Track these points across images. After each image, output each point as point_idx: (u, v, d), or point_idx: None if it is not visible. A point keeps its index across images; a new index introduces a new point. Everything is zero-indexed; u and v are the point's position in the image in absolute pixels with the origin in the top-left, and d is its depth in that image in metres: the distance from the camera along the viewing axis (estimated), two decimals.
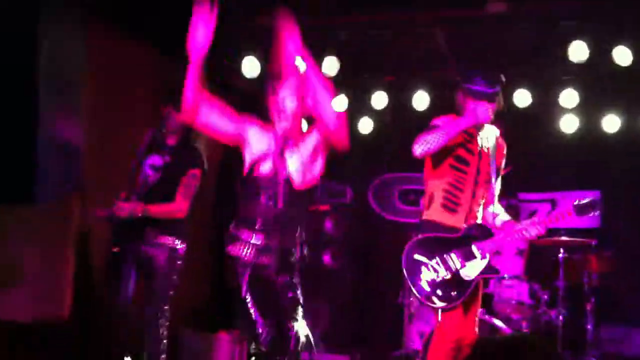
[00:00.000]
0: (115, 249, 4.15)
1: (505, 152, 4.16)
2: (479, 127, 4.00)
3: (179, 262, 4.22)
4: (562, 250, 5.65)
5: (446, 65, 6.51)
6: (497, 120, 4.03)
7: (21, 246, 4.45)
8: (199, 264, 5.98)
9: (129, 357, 4.15)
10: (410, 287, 3.90)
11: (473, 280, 3.85)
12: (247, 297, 3.57)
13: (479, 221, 3.99)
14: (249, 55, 6.20)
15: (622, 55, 5.74)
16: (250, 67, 6.19)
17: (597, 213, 3.84)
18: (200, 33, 3.24)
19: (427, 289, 3.83)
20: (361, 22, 6.06)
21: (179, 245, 4.22)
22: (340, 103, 6.98)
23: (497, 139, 4.08)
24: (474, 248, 3.88)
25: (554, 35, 5.87)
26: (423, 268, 3.86)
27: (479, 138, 4.01)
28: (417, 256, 3.89)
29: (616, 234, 6.56)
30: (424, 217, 4.03)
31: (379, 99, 6.94)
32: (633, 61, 5.72)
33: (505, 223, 4.01)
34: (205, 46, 3.29)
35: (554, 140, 6.84)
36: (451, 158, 3.98)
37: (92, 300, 4.78)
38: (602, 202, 6.85)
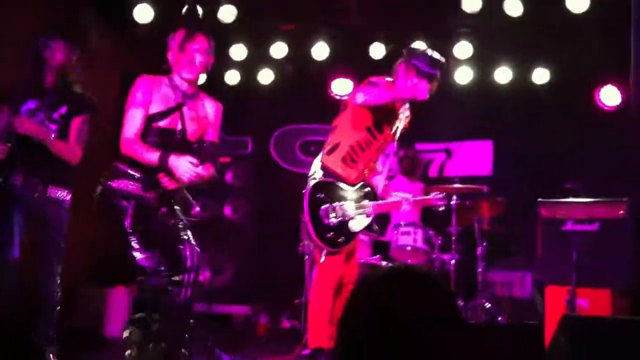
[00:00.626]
0: None
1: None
2: (404, 103, 4.15)
3: (66, 215, 4.05)
4: (454, 197, 5.82)
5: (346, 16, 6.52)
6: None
7: None
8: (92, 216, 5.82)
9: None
10: (308, 229, 4.08)
11: (356, 232, 4.17)
12: (131, 231, 3.57)
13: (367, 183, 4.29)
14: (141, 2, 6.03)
15: (513, 6, 5.90)
16: (143, 13, 6.05)
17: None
18: None
19: (320, 229, 4.06)
20: None
21: (67, 197, 4.05)
22: (239, 52, 6.88)
23: (406, 119, 4.22)
24: (364, 204, 4.19)
25: None
26: (322, 209, 4.08)
27: (400, 114, 4.17)
28: (318, 195, 4.10)
29: (507, 181, 6.83)
30: (322, 160, 4.23)
31: (278, 49, 6.88)
32: (523, 12, 5.88)
33: (384, 191, 4.32)
34: None
35: (449, 91, 6.99)
36: (371, 120, 4.20)
37: None
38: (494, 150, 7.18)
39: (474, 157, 7.21)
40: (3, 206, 3.95)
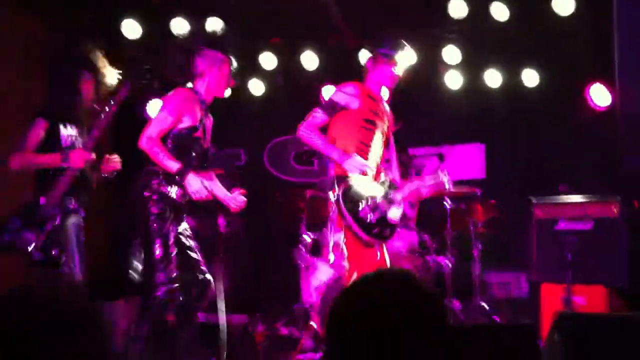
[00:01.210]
0: None
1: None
2: (380, 93, 4.44)
3: None
4: (448, 201, 5.85)
5: (334, 29, 6.56)
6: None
7: None
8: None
9: None
10: (356, 232, 4.19)
11: (397, 223, 4.35)
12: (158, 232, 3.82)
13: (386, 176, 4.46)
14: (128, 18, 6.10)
15: (499, 11, 5.95)
16: (131, 29, 6.11)
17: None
18: None
19: (367, 228, 4.21)
20: None
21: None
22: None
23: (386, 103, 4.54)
24: (394, 195, 4.33)
25: None
26: (361, 210, 4.21)
27: (382, 102, 4.44)
28: (351, 198, 4.21)
29: (500, 183, 6.87)
30: (335, 173, 4.33)
31: (268, 60, 6.92)
32: (510, 16, 5.93)
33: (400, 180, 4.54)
34: None
35: (441, 96, 7.04)
36: (362, 118, 4.37)
37: None
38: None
39: (467, 161, 7.25)
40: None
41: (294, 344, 5.46)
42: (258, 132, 7.74)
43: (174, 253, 3.83)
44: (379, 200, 4.28)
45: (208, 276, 4.06)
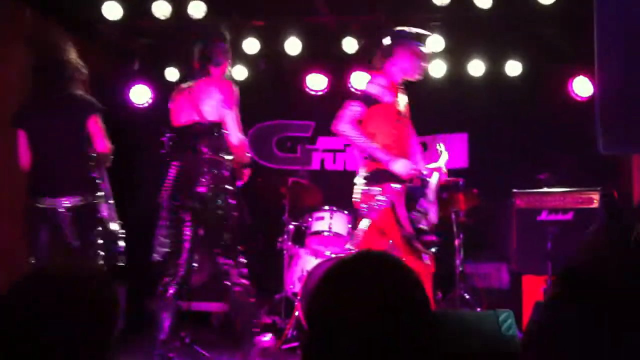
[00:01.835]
0: None
1: None
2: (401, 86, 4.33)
3: None
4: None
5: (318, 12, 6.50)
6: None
7: None
8: None
9: None
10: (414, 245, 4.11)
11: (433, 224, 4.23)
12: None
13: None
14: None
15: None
16: (112, 10, 6.04)
17: None
18: None
19: (418, 235, 4.12)
20: None
21: None
22: None
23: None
24: (429, 195, 4.28)
25: None
26: (413, 216, 4.11)
27: (400, 96, 4.31)
28: (401, 207, 4.08)
29: (482, 173, 6.88)
30: (375, 167, 4.16)
31: (251, 45, 6.84)
32: (493, 4, 5.89)
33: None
34: None
35: (423, 84, 6.99)
36: (395, 116, 4.26)
37: None
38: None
39: (450, 150, 7.22)
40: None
41: (279, 333, 5.45)
42: (240, 118, 7.66)
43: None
44: (424, 201, 4.22)
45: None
